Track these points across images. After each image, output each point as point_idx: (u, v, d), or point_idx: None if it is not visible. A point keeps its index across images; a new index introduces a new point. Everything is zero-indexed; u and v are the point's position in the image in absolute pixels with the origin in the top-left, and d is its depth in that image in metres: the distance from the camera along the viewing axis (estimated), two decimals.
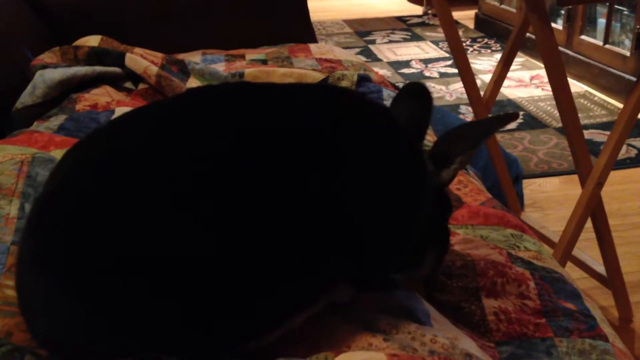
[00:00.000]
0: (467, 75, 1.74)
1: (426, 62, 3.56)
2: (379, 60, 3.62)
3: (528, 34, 2.08)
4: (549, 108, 2.85)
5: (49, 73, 1.35)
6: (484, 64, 3.50)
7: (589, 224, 1.47)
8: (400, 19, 4.59)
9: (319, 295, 0.65)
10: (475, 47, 3.86)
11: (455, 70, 3.16)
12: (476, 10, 4.29)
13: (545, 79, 3.04)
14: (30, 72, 1.39)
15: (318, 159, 0.62)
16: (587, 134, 2.57)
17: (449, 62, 3.52)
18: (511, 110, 2.82)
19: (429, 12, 4.68)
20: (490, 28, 4.09)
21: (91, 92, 1.36)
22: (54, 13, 1.70)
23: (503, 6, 3.95)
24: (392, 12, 4.80)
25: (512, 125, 2.65)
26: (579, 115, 1.42)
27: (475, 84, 1.76)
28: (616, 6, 2.94)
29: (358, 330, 0.67)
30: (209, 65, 1.57)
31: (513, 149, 2.46)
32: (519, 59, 3.52)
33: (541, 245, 0.95)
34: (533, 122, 2.71)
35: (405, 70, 3.42)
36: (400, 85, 3.20)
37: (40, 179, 0.94)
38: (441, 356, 0.63)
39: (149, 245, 0.56)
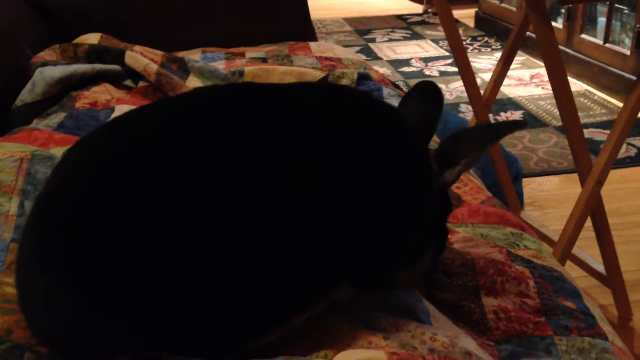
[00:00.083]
0: (467, 73, 1.74)
1: (426, 60, 3.56)
2: (379, 58, 3.62)
3: (528, 33, 2.07)
4: (549, 107, 2.85)
5: (49, 71, 1.35)
6: (484, 63, 3.50)
7: (588, 223, 1.47)
8: (401, 17, 4.59)
9: (319, 296, 0.65)
10: (475, 45, 3.85)
11: (456, 69, 3.15)
12: (476, 9, 4.28)
13: (545, 78, 3.04)
14: (30, 69, 1.39)
15: (321, 159, 0.62)
16: (587, 132, 2.57)
17: (449, 61, 3.51)
18: (511, 110, 2.82)
19: (429, 10, 4.68)
20: (490, 27, 4.08)
21: (91, 89, 1.36)
22: (54, 13, 1.70)
23: (503, 5, 3.95)
24: (392, 11, 4.80)
25: None
26: (579, 114, 1.42)
27: (475, 82, 1.76)
28: (616, 5, 2.94)
29: (358, 329, 0.67)
30: (208, 63, 1.56)
31: (513, 147, 2.46)
32: (519, 57, 3.52)
33: (541, 243, 0.95)
34: (533, 121, 2.71)
35: (405, 69, 3.42)
36: (400, 83, 3.20)
37: (39, 176, 0.94)
38: (441, 354, 0.63)
39: (149, 244, 0.56)
